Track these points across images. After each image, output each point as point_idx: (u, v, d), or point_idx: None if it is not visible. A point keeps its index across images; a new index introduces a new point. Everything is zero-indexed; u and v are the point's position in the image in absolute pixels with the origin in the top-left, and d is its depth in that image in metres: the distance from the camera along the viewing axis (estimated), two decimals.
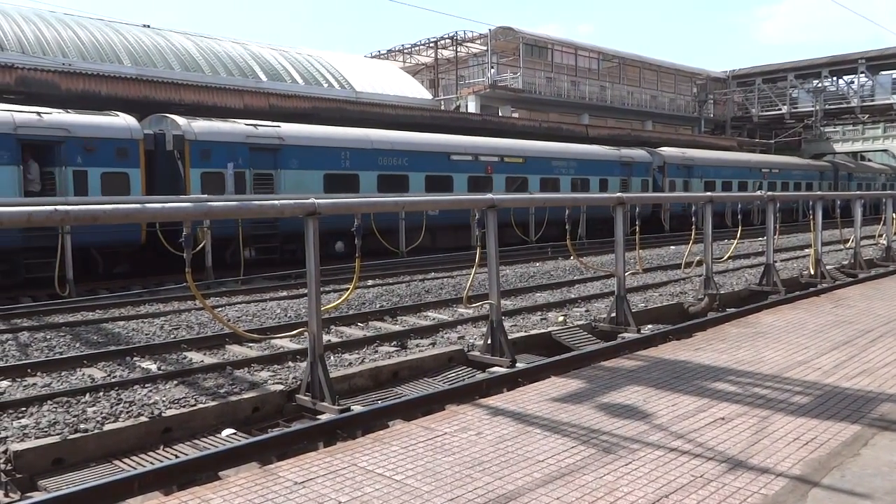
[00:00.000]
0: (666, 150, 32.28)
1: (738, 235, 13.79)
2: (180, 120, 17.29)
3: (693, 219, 11.42)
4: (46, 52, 23.02)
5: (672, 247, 22.69)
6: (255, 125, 18.36)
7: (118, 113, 16.71)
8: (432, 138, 22.70)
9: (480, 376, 7.41)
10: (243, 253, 17.01)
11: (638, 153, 30.07)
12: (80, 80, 20.01)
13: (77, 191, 15.19)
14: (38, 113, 15.15)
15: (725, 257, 14.68)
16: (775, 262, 13.01)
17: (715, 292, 11.44)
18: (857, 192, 19.06)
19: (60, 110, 15.89)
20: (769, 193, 13.09)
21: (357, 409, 6.20)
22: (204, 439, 5.98)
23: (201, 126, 17.33)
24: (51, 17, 25.53)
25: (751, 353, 7.07)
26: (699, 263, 12.50)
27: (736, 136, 50.65)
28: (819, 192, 17.64)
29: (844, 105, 50.09)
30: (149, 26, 28.45)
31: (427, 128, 24.79)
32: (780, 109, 51.66)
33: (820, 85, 49.96)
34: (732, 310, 10.63)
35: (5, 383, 7.19)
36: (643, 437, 4.69)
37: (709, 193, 13.55)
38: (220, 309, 11.62)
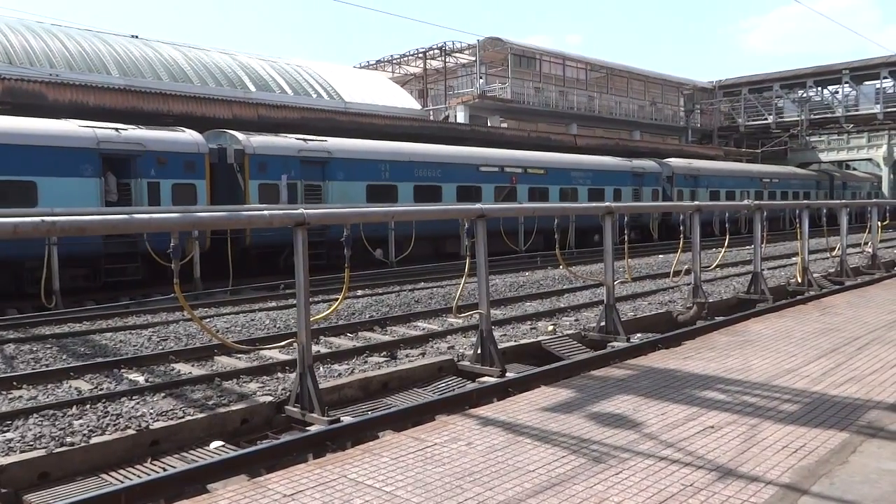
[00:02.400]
0: (674, 161, 33.35)
1: (726, 244, 13.87)
2: (240, 135, 18.57)
3: (681, 228, 11.49)
4: (34, 63, 22.93)
5: (661, 256, 22.79)
6: (305, 139, 19.61)
7: (184, 129, 17.85)
8: (463, 151, 24.07)
9: (470, 386, 7.40)
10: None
11: (648, 164, 31.24)
12: (68, 91, 19.93)
13: (150, 201, 16.29)
14: (117, 129, 16.23)
15: (713, 266, 14.76)
16: (763, 270, 13.10)
17: (703, 301, 11.48)
18: (843, 201, 19.22)
19: (134, 126, 16.80)
20: (756, 203, 13.18)
21: (347, 420, 6.17)
22: (192, 452, 5.93)
23: (259, 141, 18.58)
24: (38, 27, 25.44)
25: (739, 361, 7.09)
26: (688, 272, 12.56)
27: (723, 145, 51.04)
28: (805, 201, 17.81)
29: (829, 115, 50.63)
30: (137, 37, 28.42)
31: (416, 138, 24.89)
32: (766, 119, 52.14)
33: (805, 95, 50.51)
34: (721, 318, 10.67)
35: None
36: (633, 447, 4.70)
37: (696, 202, 13.64)
38: (208, 320, 11.55)
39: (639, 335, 9.86)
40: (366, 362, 8.54)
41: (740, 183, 36.84)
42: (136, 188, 16.33)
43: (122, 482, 5.16)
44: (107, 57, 25.14)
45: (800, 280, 14.03)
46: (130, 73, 24.95)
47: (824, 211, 16.22)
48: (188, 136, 17.46)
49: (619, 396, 5.90)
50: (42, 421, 6.31)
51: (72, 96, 19.81)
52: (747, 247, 21.04)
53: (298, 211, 6.24)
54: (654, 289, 14.54)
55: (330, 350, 9.17)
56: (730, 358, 7.24)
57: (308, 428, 6.10)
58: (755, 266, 12.73)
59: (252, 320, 11.55)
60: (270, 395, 7.01)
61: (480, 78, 39.96)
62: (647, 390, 6.07)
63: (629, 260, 13.26)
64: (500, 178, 24.40)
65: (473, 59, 40.69)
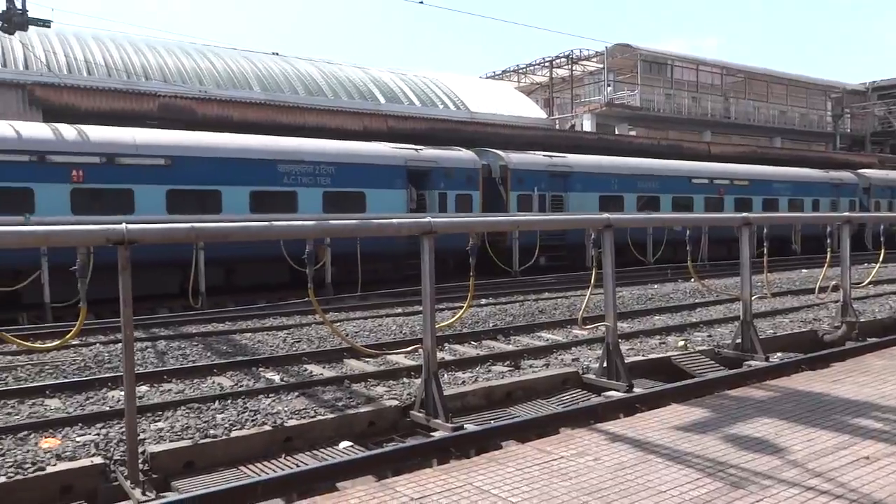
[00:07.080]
0: (870, 172, 33.33)
1: (881, 259, 12.76)
2: (501, 153, 21.42)
3: (828, 240, 10.68)
4: (185, 81, 24.85)
5: (804, 270, 21.32)
6: (550, 156, 22.34)
7: (460, 148, 20.82)
8: (677, 165, 25.97)
9: (596, 400, 7.21)
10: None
11: (846, 175, 31.67)
12: (214, 106, 21.44)
13: (440, 208, 19.12)
14: (416, 149, 19.43)
15: (866, 282, 13.60)
16: None
17: (854, 320, 10.60)
18: None
19: (426, 147, 19.85)
20: None
21: (470, 427, 6.18)
22: (322, 450, 6.14)
23: (517, 158, 21.48)
24: (190, 48, 27.56)
25: None
26: (835, 289, 11.63)
27: (877, 152, 47.08)
28: None
29: None
30: (277, 54, 30.12)
31: (541, 146, 24.78)
32: None
33: None
34: (874, 339, 9.83)
35: (144, 388, 7.70)
36: (776, 473, 4.38)
37: (846, 213, 12.65)
38: (339, 324, 11.96)
39: (779, 354, 9.24)
40: (489, 371, 8.53)
41: None
42: (429, 198, 19.24)
43: (259, 475, 5.42)
44: (249, 73, 26.82)
45: None
46: (270, 88, 26.47)
47: None
48: (466, 154, 20.31)
49: (758, 419, 5.54)
50: (188, 413, 6.75)
51: (218, 111, 21.28)
52: None
53: (426, 220, 6.35)
54: (796, 305, 13.59)
55: (454, 357, 9.24)
56: (887, 384, 6.62)
57: (432, 433, 6.16)
58: None
59: (380, 325, 11.85)
60: (396, 399, 7.14)
61: (608, 85, 39.17)
62: (790, 414, 5.67)
63: (769, 274, 12.49)
64: (709, 189, 25.63)
65: (601, 66, 39.97)
